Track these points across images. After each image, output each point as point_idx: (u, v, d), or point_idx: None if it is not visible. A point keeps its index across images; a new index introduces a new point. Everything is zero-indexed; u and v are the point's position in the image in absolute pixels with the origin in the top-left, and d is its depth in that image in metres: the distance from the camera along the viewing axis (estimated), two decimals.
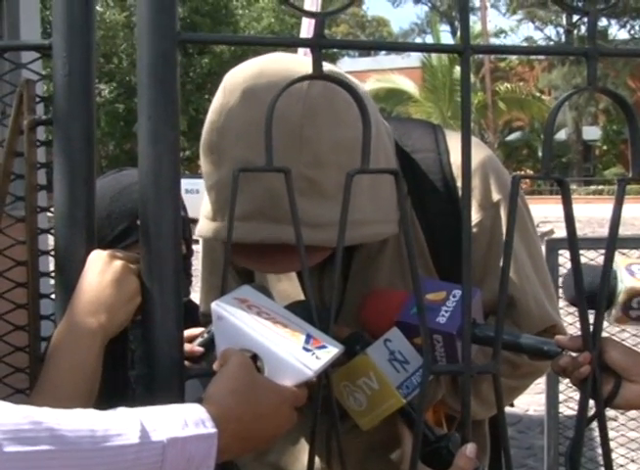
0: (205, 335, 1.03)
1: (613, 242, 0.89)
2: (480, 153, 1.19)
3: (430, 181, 1.18)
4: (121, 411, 0.74)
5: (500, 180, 1.19)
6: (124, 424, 0.71)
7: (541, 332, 1.17)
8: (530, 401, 4.61)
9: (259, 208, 1.00)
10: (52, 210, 0.95)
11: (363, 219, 1.04)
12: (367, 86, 25.48)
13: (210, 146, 1.04)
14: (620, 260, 1.02)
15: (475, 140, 1.23)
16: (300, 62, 1.07)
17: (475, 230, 1.15)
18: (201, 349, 1.02)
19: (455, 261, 1.19)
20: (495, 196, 1.18)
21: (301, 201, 0.99)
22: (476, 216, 1.17)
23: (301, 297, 1.23)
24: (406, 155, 1.19)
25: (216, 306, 0.86)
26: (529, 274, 1.20)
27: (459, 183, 1.17)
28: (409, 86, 24.89)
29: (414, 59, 27.19)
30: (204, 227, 1.08)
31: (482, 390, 1.15)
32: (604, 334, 0.94)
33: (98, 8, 19.10)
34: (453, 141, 1.21)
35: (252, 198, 1.00)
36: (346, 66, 34.80)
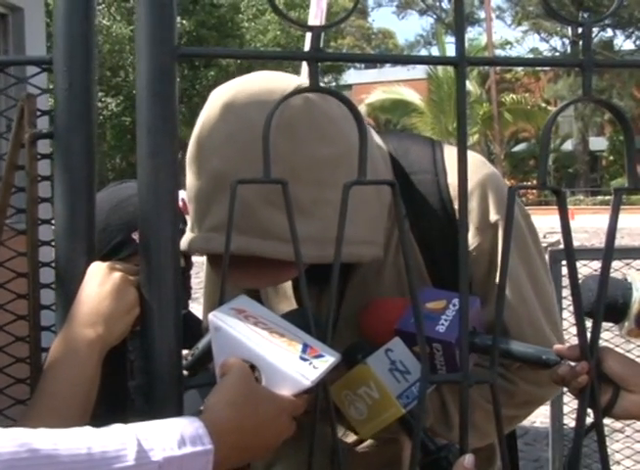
0: (190, 357, 1.03)
1: (610, 251, 0.89)
2: (479, 172, 1.16)
3: (427, 203, 1.16)
4: (119, 430, 0.74)
5: (501, 199, 1.15)
6: (121, 445, 0.72)
7: None
8: (537, 413, 4.55)
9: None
10: (53, 222, 0.96)
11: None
12: (373, 97, 25.55)
13: (191, 158, 1.06)
14: (635, 274, 1.03)
15: (477, 159, 1.20)
16: (282, 78, 1.08)
17: (474, 254, 1.14)
18: (184, 372, 1.01)
19: (455, 283, 1.18)
20: (493, 217, 1.15)
21: (275, 214, 0.99)
22: (474, 240, 1.14)
23: None
24: (405, 175, 1.18)
25: (213, 317, 0.87)
26: (528, 297, 1.17)
27: (456, 205, 1.13)
28: (415, 98, 24.93)
29: (420, 71, 27.23)
30: (182, 239, 1.08)
31: (475, 419, 1.12)
32: (609, 345, 0.94)
33: (105, 22, 19.24)
34: (451, 159, 1.17)
35: (225, 209, 1.00)
36: (353, 78, 34.91)
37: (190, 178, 1.07)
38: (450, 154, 1.20)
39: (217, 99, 1.06)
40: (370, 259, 1.11)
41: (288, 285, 1.24)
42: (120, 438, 0.72)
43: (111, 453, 0.71)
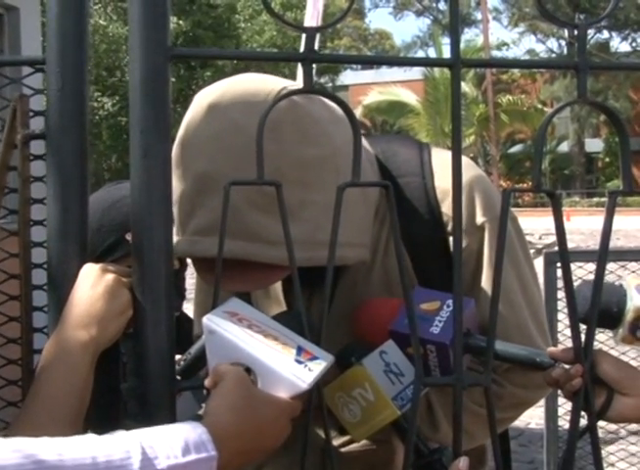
0: (182, 363, 1.02)
1: (604, 255, 0.89)
2: (465, 174, 1.11)
3: (414, 206, 1.16)
4: (123, 438, 0.74)
5: (487, 201, 1.16)
6: (126, 453, 0.72)
7: None
8: (532, 415, 4.57)
9: (215, 222, 0.96)
10: (45, 223, 0.96)
11: (327, 240, 0.96)
12: (370, 99, 25.54)
13: (176, 161, 1.05)
14: (630, 280, 1.02)
15: (464, 160, 1.20)
16: (268, 81, 1.07)
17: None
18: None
19: (443, 286, 1.18)
20: (480, 219, 1.15)
21: (261, 217, 0.99)
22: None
23: None
24: (392, 178, 1.17)
25: (207, 321, 0.86)
26: (516, 301, 1.17)
27: (443, 208, 1.16)
28: (411, 99, 24.93)
29: (416, 72, 27.24)
30: None
31: (463, 421, 1.12)
32: (604, 347, 0.94)
33: (101, 22, 19.20)
34: (439, 162, 1.18)
35: (210, 212, 0.99)
36: (349, 79, 34.92)
37: (174, 182, 1.04)
38: (437, 156, 1.20)
39: (202, 101, 1.05)
40: (356, 262, 1.10)
41: (278, 288, 1.24)
42: (125, 446, 0.73)
43: (115, 462, 0.71)
